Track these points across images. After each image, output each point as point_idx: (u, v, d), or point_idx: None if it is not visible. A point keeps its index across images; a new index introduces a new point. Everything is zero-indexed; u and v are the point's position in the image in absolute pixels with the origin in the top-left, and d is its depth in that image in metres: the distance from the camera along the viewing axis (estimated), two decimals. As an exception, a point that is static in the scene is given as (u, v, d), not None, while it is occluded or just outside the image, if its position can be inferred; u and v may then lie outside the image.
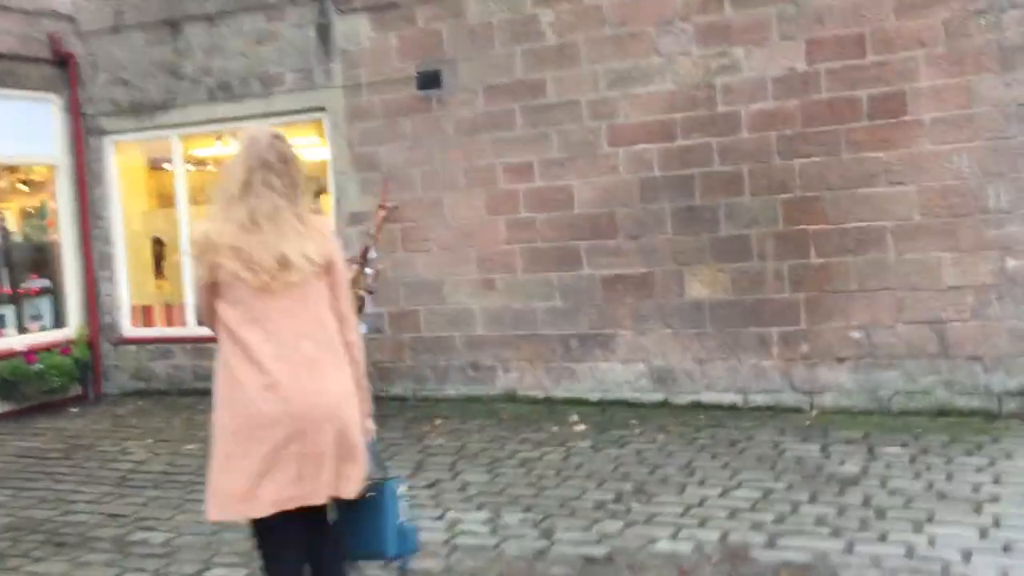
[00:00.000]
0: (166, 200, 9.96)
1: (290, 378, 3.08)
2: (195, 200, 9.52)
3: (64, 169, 9.60)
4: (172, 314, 9.68)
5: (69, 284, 9.61)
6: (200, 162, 9.77)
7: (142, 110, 9.47)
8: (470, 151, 8.20)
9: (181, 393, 9.42)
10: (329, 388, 3.15)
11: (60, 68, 9.51)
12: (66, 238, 9.60)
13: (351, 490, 3.20)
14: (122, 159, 9.81)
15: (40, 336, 9.24)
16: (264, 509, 3.10)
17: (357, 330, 3.39)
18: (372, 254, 7.80)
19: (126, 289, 9.79)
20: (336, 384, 3.18)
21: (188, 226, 9.40)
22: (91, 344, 9.59)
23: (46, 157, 9.47)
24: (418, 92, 8.32)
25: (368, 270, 7.65)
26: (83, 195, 9.65)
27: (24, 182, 9.66)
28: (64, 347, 9.19)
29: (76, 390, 9.26)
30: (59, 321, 9.57)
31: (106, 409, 9.10)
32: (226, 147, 9.44)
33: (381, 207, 8.08)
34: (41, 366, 8.84)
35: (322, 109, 8.77)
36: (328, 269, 3.24)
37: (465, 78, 8.18)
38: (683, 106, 7.46)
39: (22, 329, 9.23)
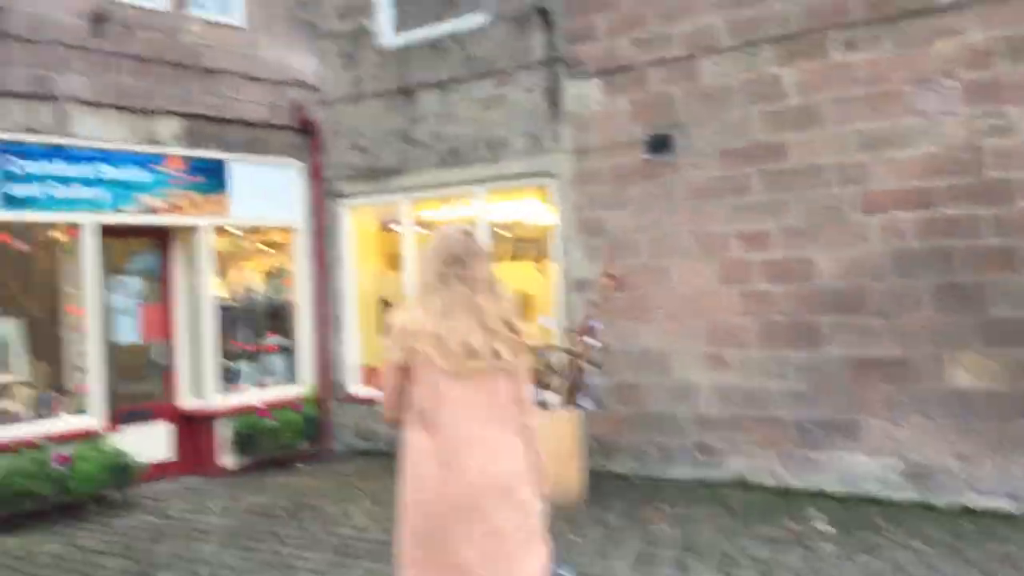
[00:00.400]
0: (393, 261, 10.16)
1: (473, 460, 3.28)
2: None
3: (302, 231, 10.01)
4: (396, 375, 9.78)
5: (302, 342, 9.95)
6: (427, 224, 9.89)
7: (377, 174, 9.73)
8: (701, 217, 7.78)
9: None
10: (507, 470, 3.34)
11: (303, 135, 9.96)
12: (301, 297, 9.97)
13: (536, 571, 3.33)
14: (356, 221, 10.11)
15: (274, 392, 9.59)
16: None
17: (535, 416, 3.54)
18: (597, 324, 7.51)
19: (355, 349, 10.02)
20: (515, 466, 3.36)
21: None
22: (320, 402, 9.85)
23: (287, 220, 9.91)
24: (648, 156, 8.02)
25: (593, 342, 7.36)
26: (320, 256, 10.01)
27: (266, 243, 10.15)
28: (296, 404, 9.47)
29: (304, 446, 9.49)
30: (291, 378, 9.91)
31: (331, 467, 9.27)
32: (453, 211, 9.52)
33: (607, 275, 7.80)
34: (275, 422, 9.14)
35: (549, 174, 8.65)
36: (515, 359, 3.42)
37: (698, 141, 7.80)
38: (946, 171, 6.72)
39: (258, 384, 9.62)
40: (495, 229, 9.18)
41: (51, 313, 9.30)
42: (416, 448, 3.39)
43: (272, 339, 9.89)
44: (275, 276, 10.05)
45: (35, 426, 7.79)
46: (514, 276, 9.11)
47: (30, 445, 7.50)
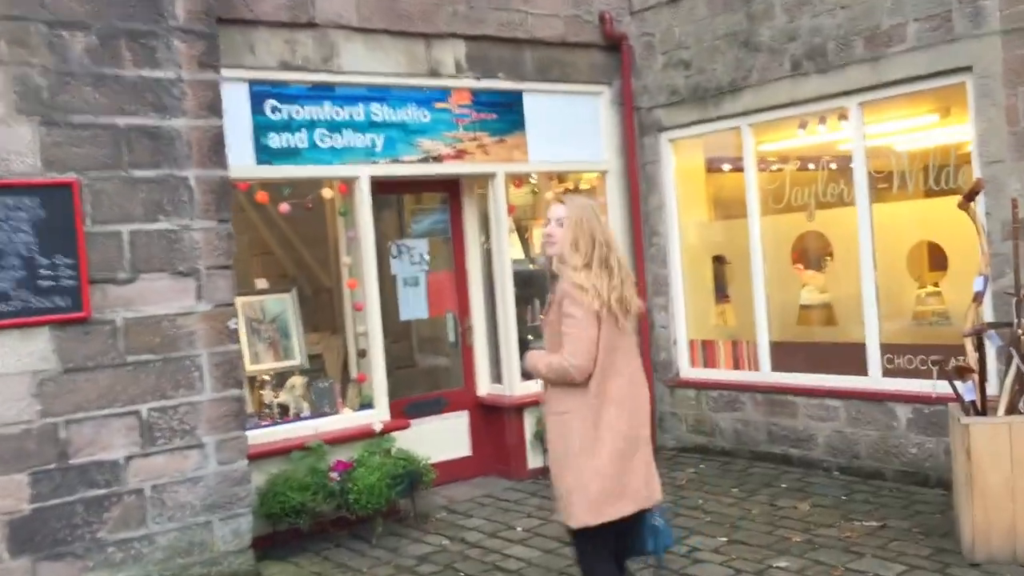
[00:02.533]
0: (725, 209, 7.97)
1: (635, 399, 3.98)
2: (767, 208, 7.36)
3: (615, 174, 8.05)
4: (740, 353, 7.62)
5: (618, 312, 8.05)
6: (773, 159, 7.58)
7: (705, 97, 7.54)
8: None
9: (752, 457, 7.34)
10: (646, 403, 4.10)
11: (610, 54, 7.97)
12: (615, 257, 8.05)
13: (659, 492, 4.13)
14: (679, 160, 7.99)
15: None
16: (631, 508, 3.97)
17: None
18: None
19: (683, 320, 7.96)
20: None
21: (760, 240, 7.29)
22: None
23: (594, 161, 7.99)
24: None
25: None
26: (635, 205, 8.03)
27: (570, 191, 8.31)
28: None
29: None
30: (607, 356, 8.05)
31: (663, 471, 7.25)
32: (811, 137, 7.14)
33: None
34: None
35: (964, 69, 6.03)
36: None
37: None
38: None
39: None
40: (882, 156, 6.70)
41: (325, 287, 8.16)
42: (605, 388, 3.87)
43: (582, 310, 8.08)
44: (582, 232, 8.19)
45: (310, 424, 6.49)
46: (914, 220, 6.61)
47: (302, 448, 6.19)
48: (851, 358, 6.75)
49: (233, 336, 5.58)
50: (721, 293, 7.93)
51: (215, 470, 5.49)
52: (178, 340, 5.37)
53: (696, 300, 7.96)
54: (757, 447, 7.33)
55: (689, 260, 7.95)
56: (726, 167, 8.05)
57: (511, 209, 7.46)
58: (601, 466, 3.84)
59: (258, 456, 6.01)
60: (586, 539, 3.94)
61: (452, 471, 7.20)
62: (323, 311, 8.68)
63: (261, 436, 6.21)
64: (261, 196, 6.49)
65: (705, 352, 7.88)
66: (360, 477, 6.10)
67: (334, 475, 6.10)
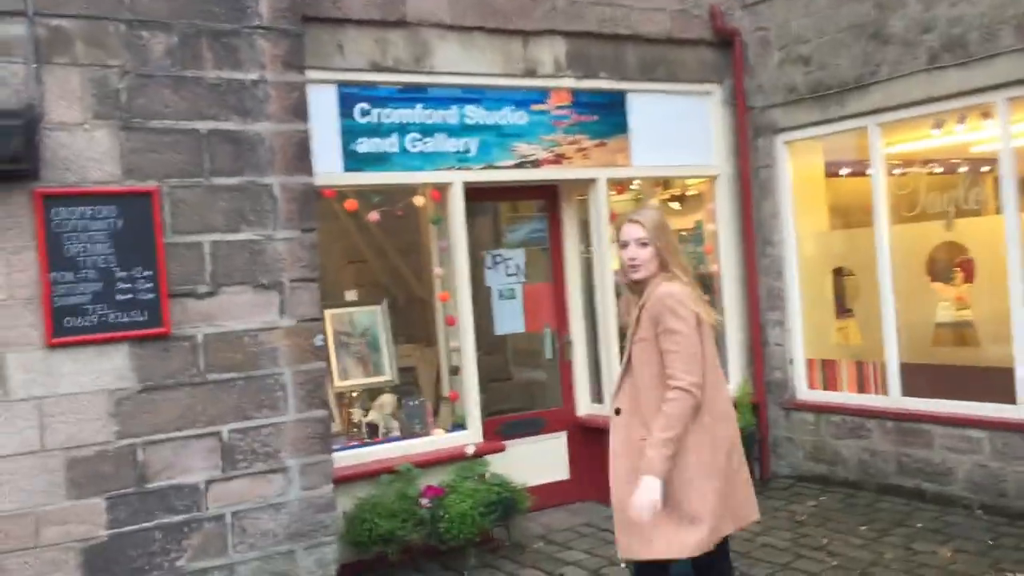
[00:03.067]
0: (847, 217, 7.32)
1: (726, 408, 3.80)
2: (897, 217, 6.70)
3: (725, 179, 7.48)
4: (865, 375, 6.96)
5: (730, 327, 7.47)
6: (904, 163, 6.91)
7: (827, 95, 6.91)
8: None
9: (880, 490, 6.67)
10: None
11: (721, 50, 7.41)
12: (726, 268, 7.48)
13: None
14: (796, 164, 7.37)
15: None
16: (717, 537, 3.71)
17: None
18: None
19: (801, 337, 7.33)
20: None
21: (889, 251, 6.62)
22: (757, 408, 7.32)
23: (703, 165, 7.43)
24: None
25: None
26: (747, 213, 7.44)
27: (676, 198, 7.78)
28: (724, 413, 7.02)
29: (737, 469, 7.01)
30: (716, 375, 7.48)
31: (778, 503, 6.70)
32: (948, 137, 6.45)
33: None
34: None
35: None
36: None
37: None
38: None
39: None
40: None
41: (418, 298, 7.81)
42: (711, 412, 3.67)
43: (689, 325, 7.54)
44: (691, 240, 7.65)
45: (400, 445, 6.13)
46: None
47: (391, 471, 5.82)
48: (996, 384, 6.03)
49: (319, 353, 5.24)
50: (843, 309, 7.27)
51: (299, 496, 5.16)
52: (260, 357, 5.06)
53: (815, 316, 7.32)
54: (885, 479, 6.65)
55: (807, 272, 7.32)
56: (848, 171, 7.42)
57: (613, 216, 6.97)
58: (720, 487, 3.69)
59: (345, 479, 5.68)
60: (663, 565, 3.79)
61: (549, 496, 6.75)
62: (416, 323, 8.34)
63: (349, 458, 5.87)
64: (350, 204, 6.15)
65: (825, 372, 7.23)
66: (452, 504, 5.70)
67: (424, 501, 5.71)
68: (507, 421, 6.84)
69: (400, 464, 5.85)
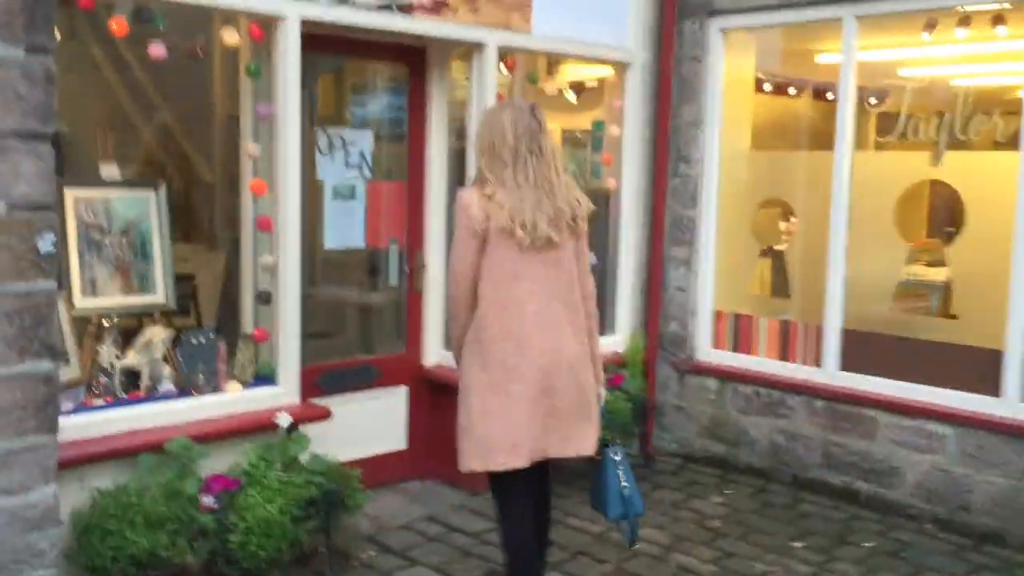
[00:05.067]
0: (794, 137, 5.86)
1: (542, 336, 3.28)
2: (864, 141, 5.25)
3: (639, 70, 5.72)
4: (792, 337, 5.54)
5: (623, 263, 5.82)
6: (884, 72, 5.43)
7: (789, -29, 5.28)
8: None
9: (796, 484, 5.33)
10: (571, 348, 3.34)
11: None
12: (627, 186, 5.77)
13: (588, 448, 3.44)
14: (732, 60, 5.72)
15: (575, 346, 5.53)
16: (522, 460, 3.29)
17: (594, 297, 3.52)
18: None
19: (711, 281, 5.80)
20: (576, 345, 3.36)
21: (848, 184, 5.15)
22: (646, 368, 5.76)
23: (616, 48, 5.62)
24: None
25: None
26: (662, 117, 5.75)
27: (573, 87, 5.95)
28: (615, 375, 5.39)
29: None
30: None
31: (676, 495, 5.22)
32: (942, 47, 5.02)
33: None
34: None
35: None
36: (578, 233, 3.40)
37: None
38: None
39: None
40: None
41: (204, 187, 5.73)
42: (487, 323, 3.31)
43: (574, 255, 5.82)
44: (581, 144, 5.87)
45: (173, 408, 4.05)
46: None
47: (156, 448, 3.76)
48: (975, 368, 4.76)
49: (44, 265, 3.03)
50: (771, 253, 5.80)
51: None
52: (-69, 267, 2.81)
53: (732, 257, 5.80)
54: (805, 472, 5.32)
55: (729, 201, 5.76)
56: (797, 80, 5.90)
57: (500, 98, 5.06)
58: (472, 412, 3.36)
59: (80, 461, 3.62)
60: (498, 482, 3.45)
61: (378, 472, 4.90)
62: (201, 222, 6.22)
63: (89, 425, 3.77)
64: (119, 24, 3.85)
65: (738, 330, 5.76)
66: (250, 505, 3.74)
67: (208, 501, 3.71)
68: (329, 371, 4.89)
69: (172, 438, 3.80)
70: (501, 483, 3.42)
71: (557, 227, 3.28)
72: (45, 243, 3.08)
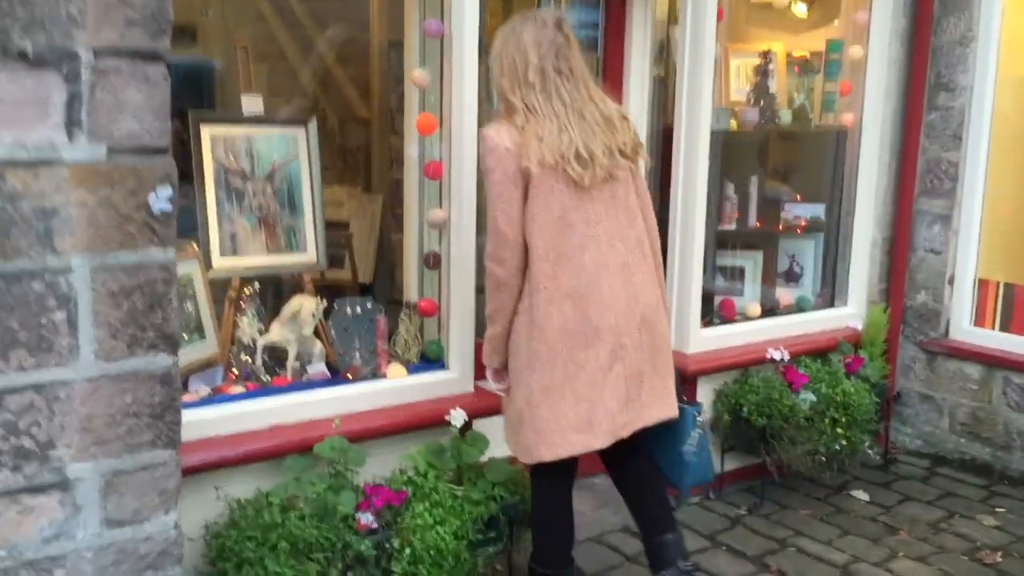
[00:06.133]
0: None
1: (607, 288, 2.78)
2: None
3: (893, -23, 4.55)
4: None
5: (860, 219, 4.69)
6: None
7: None
8: None
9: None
10: (643, 298, 2.85)
11: None
12: (869, 122, 4.62)
13: (671, 411, 2.97)
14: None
15: (792, 323, 4.50)
16: (601, 440, 2.83)
17: (659, 240, 3.03)
18: None
19: (976, 243, 4.63)
20: (649, 293, 2.87)
21: None
22: (887, 347, 4.66)
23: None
24: None
25: None
26: (920, 32, 4.56)
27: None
28: (852, 357, 4.33)
29: (857, 448, 4.33)
30: (826, 293, 4.78)
31: (911, 509, 4.17)
32: None
33: None
34: (813, 397, 4.07)
35: None
36: (636, 166, 2.93)
37: None
38: None
39: (768, 303, 4.62)
40: None
41: (357, 123, 5.10)
42: (540, 284, 2.76)
43: (800, 207, 4.75)
44: (811, 70, 4.74)
45: (327, 396, 3.30)
46: None
47: (305, 448, 3.03)
48: None
49: (162, 227, 2.24)
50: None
51: (97, 540, 2.27)
52: (11, 230, 2.08)
53: (1004, 213, 4.60)
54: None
55: (1005, 142, 4.54)
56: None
57: (719, 15, 4.02)
58: (531, 394, 2.82)
59: (216, 465, 2.93)
60: (544, 469, 2.90)
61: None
62: (355, 160, 5.58)
63: (228, 418, 3.07)
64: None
65: (1011, 304, 4.59)
66: (418, 527, 2.96)
67: (367, 519, 2.95)
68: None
69: (324, 439, 3.05)
70: (547, 472, 2.93)
71: (611, 157, 2.79)
72: (159, 200, 2.26)
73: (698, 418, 3.13)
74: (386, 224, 5.25)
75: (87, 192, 2.11)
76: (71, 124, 2.09)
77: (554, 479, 3.00)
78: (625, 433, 2.87)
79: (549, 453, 2.84)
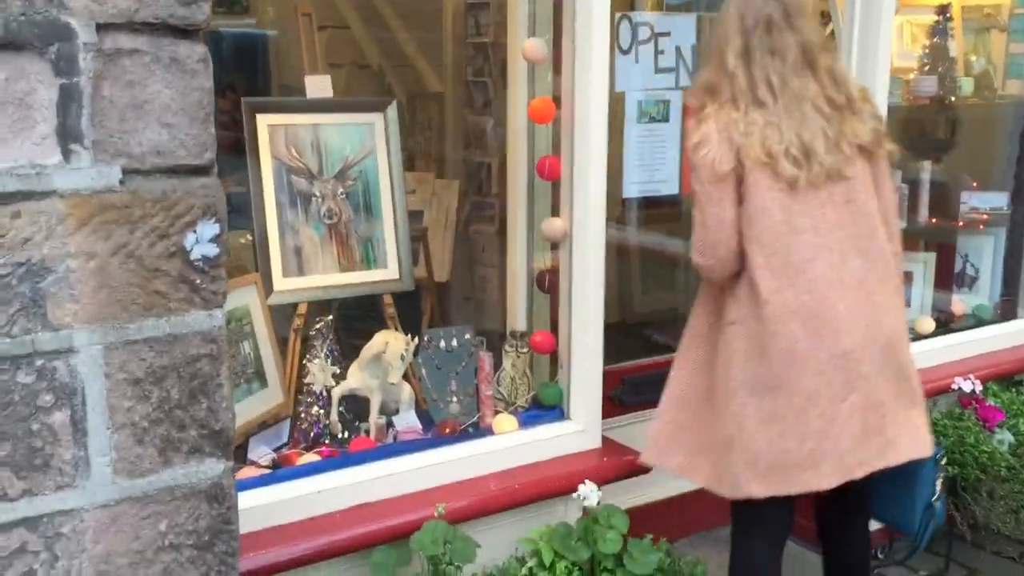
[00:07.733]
0: None
1: (844, 309, 2.31)
2: None
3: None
4: None
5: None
6: None
7: None
8: None
9: None
10: (888, 323, 2.38)
11: None
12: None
13: (923, 447, 2.46)
14: None
15: (978, 338, 3.69)
16: (827, 480, 2.35)
17: (900, 238, 2.52)
18: None
19: None
20: (895, 319, 2.41)
21: None
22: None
23: None
24: None
25: None
26: None
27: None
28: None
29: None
30: (1006, 293, 3.96)
31: None
32: None
33: None
34: (1011, 438, 3.27)
35: None
36: (873, 155, 2.38)
37: None
38: None
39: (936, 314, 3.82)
40: None
41: (438, 96, 4.54)
42: (757, 298, 2.31)
43: (976, 197, 3.90)
44: (991, 29, 3.87)
45: (418, 464, 2.58)
46: None
47: (398, 537, 2.33)
48: None
49: (206, 279, 1.52)
50: None
51: None
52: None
53: None
54: None
55: None
56: None
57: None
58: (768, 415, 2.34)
59: (286, 567, 2.24)
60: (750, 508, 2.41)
61: (686, 515, 3.35)
62: (427, 140, 4.95)
63: (296, 500, 2.37)
64: None
65: None
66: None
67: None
68: (631, 376, 3.32)
69: (423, 524, 2.34)
70: (757, 511, 2.41)
71: (839, 150, 2.32)
72: (201, 242, 1.58)
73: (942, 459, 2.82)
74: (462, 214, 4.55)
75: (94, 237, 1.41)
76: (66, 136, 1.40)
77: (763, 540, 2.50)
78: (859, 473, 2.39)
79: (761, 488, 2.36)
